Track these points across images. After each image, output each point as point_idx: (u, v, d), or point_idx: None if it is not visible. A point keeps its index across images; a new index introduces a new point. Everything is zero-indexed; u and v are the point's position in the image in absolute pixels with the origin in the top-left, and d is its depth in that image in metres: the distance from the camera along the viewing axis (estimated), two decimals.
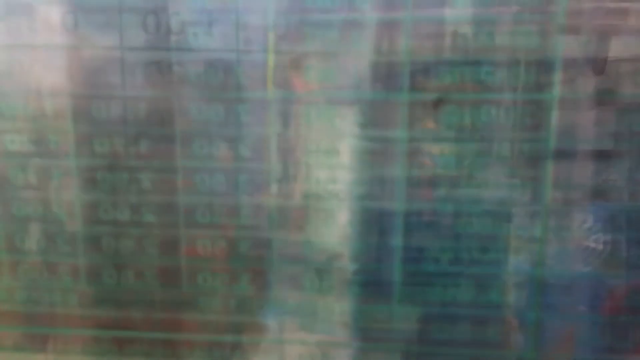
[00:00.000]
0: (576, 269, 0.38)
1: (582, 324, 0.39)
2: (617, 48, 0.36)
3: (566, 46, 0.36)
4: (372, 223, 0.39)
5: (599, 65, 0.36)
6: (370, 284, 0.40)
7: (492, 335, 0.40)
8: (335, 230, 0.40)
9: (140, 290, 0.42)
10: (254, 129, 0.39)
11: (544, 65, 0.36)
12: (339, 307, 0.41)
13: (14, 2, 0.38)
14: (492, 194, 0.38)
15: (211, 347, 0.42)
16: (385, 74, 0.37)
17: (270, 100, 0.38)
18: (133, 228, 0.41)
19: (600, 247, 0.38)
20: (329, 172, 0.39)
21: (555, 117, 0.37)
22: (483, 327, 0.40)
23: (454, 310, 0.40)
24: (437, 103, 0.37)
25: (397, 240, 0.39)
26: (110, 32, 0.38)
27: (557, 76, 0.36)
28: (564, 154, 0.37)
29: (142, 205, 0.40)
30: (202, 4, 0.37)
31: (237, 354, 0.42)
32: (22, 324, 0.43)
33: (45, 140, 0.40)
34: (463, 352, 0.40)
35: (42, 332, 0.43)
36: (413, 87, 0.37)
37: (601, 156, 0.37)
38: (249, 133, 0.39)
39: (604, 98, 0.36)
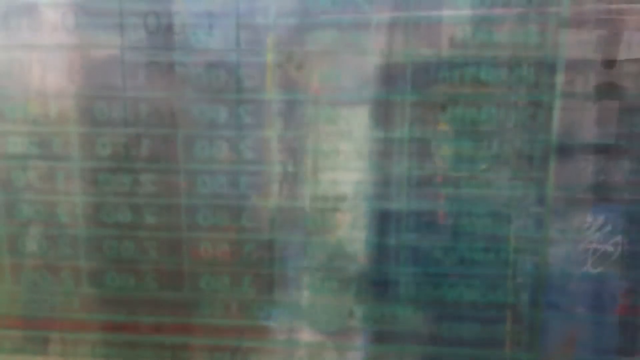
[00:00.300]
0: (586, 270, 0.38)
1: (590, 324, 0.39)
2: (623, 48, 0.36)
3: (569, 47, 0.36)
4: (378, 223, 0.39)
5: (608, 61, 0.36)
6: (375, 285, 0.40)
7: (494, 335, 0.40)
8: (340, 231, 0.39)
9: (142, 293, 0.41)
10: (256, 131, 0.39)
11: (547, 66, 0.36)
12: (343, 308, 0.40)
13: (18, 3, 0.38)
14: (498, 195, 0.38)
15: (212, 350, 0.42)
16: (389, 76, 0.37)
17: (272, 102, 0.38)
18: (135, 230, 0.41)
19: (611, 248, 0.38)
20: (332, 174, 0.39)
21: (559, 117, 0.37)
22: (485, 328, 0.40)
23: (457, 311, 0.40)
24: (444, 105, 0.37)
25: (401, 240, 0.39)
26: (112, 34, 0.38)
27: (560, 77, 0.36)
28: (571, 155, 0.37)
29: (144, 207, 0.40)
30: (206, 5, 0.37)
31: (240, 356, 0.42)
32: (23, 327, 0.43)
33: (48, 142, 0.40)
34: (465, 352, 0.40)
35: (43, 335, 0.43)
36: (418, 89, 0.37)
37: (612, 157, 0.37)
38: (251, 134, 0.39)
39: (608, 98, 0.36)
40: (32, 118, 0.40)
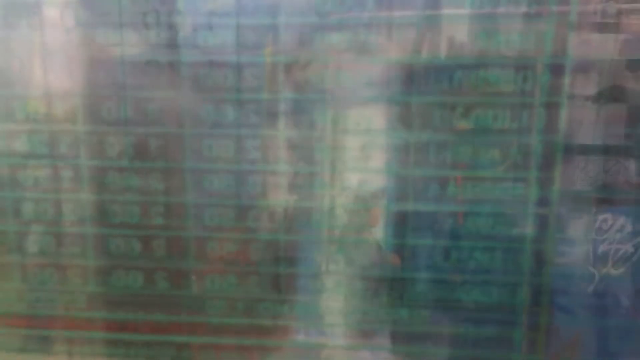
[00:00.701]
0: (607, 271, 0.38)
1: (608, 327, 0.38)
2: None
3: (577, 48, 0.35)
4: (387, 224, 0.39)
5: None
6: (384, 286, 0.40)
7: (500, 335, 0.39)
8: (350, 232, 0.39)
9: (149, 291, 0.41)
10: (264, 131, 0.38)
11: (555, 67, 0.36)
12: (353, 308, 0.40)
13: (27, 3, 0.38)
14: (507, 196, 0.37)
15: (218, 349, 0.42)
16: (397, 77, 0.37)
17: (280, 102, 0.38)
18: (142, 230, 0.41)
19: (632, 249, 0.37)
20: (341, 174, 0.38)
21: (568, 118, 0.36)
22: (491, 328, 0.39)
23: (466, 312, 0.39)
24: (451, 106, 0.37)
25: (408, 241, 0.39)
26: (112, 32, 0.38)
27: (568, 78, 0.35)
28: (589, 156, 0.36)
29: (152, 206, 0.40)
30: (214, 4, 0.37)
31: (246, 356, 0.42)
32: (29, 326, 0.43)
33: (52, 141, 0.40)
34: (469, 354, 0.40)
35: (49, 334, 0.43)
36: (425, 90, 0.37)
37: (630, 158, 0.36)
38: (259, 134, 0.38)
39: (616, 98, 0.36)
40: (41, 118, 0.40)
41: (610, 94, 0.35)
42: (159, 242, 0.40)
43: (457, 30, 0.36)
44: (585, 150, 0.36)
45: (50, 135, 0.40)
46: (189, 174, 0.39)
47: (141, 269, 0.41)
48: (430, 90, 0.37)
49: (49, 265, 0.42)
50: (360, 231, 0.39)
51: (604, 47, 0.35)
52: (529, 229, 0.37)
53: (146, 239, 0.41)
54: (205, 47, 0.37)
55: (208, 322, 0.41)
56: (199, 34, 0.37)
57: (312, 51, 0.37)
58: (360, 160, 0.38)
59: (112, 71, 0.39)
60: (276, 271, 0.40)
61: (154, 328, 0.42)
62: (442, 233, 0.38)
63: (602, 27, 0.35)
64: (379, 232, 0.39)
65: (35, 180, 0.41)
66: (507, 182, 0.37)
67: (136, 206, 0.40)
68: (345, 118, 0.38)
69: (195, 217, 0.40)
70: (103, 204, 0.40)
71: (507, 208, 0.37)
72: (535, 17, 0.35)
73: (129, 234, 0.41)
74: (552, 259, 0.38)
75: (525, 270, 0.38)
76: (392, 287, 0.39)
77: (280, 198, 0.39)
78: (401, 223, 0.39)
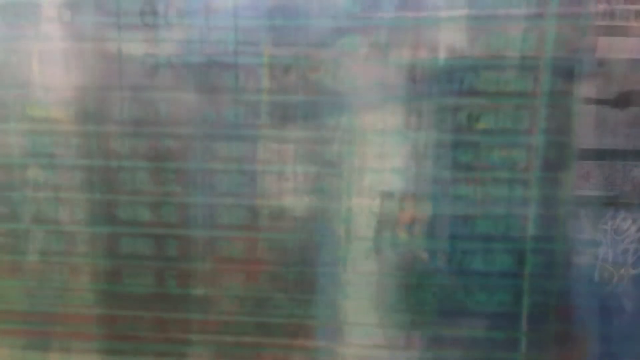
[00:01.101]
0: (625, 271, 0.37)
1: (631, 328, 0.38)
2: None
3: (591, 51, 0.35)
4: (394, 225, 0.38)
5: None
6: (389, 287, 0.40)
7: (506, 337, 0.39)
8: (358, 232, 0.39)
9: (158, 290, 0.41)
10: (275, 131, 0.38)
11: (567, 69, 0.35)
12: (357, 310, 0.40)
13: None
14: (518, 196, 0.37)
15: (222, 347, 0.42)
16: (407, 79, 0.37)
17: (290, 103, 0.38)
18: (153, 229, 0.40)
19: None
20: (349, 175, 0.38)
21: (581, 122, 0.36)
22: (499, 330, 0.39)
23: (473, 312, 0.39)
24: (463, 108, 0.36)
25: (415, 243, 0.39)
26: (110, 30, 0.38)
27: (580, 79, 0.35)
28: (607, 159, 0.36)
29: (162, 205, 0.40)
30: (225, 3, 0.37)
31: (252, 356, 0.42)
32: (36, 324, 0.43)
33: (66, 140, 0.40)
34: (476, 355, 0.40)
35: (52, 332, 0.43)
36: (437, 92, 0.36)
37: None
38: (270, 135, 0.38)
39: (629, 100, 0.35)
40: (51, 118, 0.40)
41: (624, 96, 0.35)
42: (168, 242, 0.40)
43: (469, 33, 0.35)
44: (604, 152, 0.36)
45: (50, 134, 0.40)
46: (194, 175, 0.39)
47: (151, 268, 0.41)
48: (442, 93, 0.36)
49: (52, 263, 0.42)
50: (374, 232, 0.39)
51: (617, 49, 0.35)
52: (546, 230, 0.37)
53: (156, 239, 0.41)
54: (210, 47, 0.37)
55: (218, 321, 0.41)
56: (203, 34, 0.37)
57: (325, 52, 0.37)
58: (371, 162, 0.38)
59: (112, 71, 0.38)
60: (295, 271, 0.40)
61: (161, 325, 0.42)
62: (459, 237, 0.38)
63: (615, 30, 0.34)
64: (396, 233, 0.39)
65: (36, 181, 0.40)
66: (530, 183, 0.37)
67: (142, 206, 0.40)
68: (355, 120, 0.37)
69: (207, 218, 0.40)
70: (106, 203, 0.40)
71: (523, 210, 0.37)
72: (548, 19, 0.35)
73: (136, 232, 0.41)
74: (573, 259, 0.38)
75: (549, 271, 0.38)
76: (398, 290, 0.40)
77: (286, 199, 0.39)
78: (421, 224, 0.38)
